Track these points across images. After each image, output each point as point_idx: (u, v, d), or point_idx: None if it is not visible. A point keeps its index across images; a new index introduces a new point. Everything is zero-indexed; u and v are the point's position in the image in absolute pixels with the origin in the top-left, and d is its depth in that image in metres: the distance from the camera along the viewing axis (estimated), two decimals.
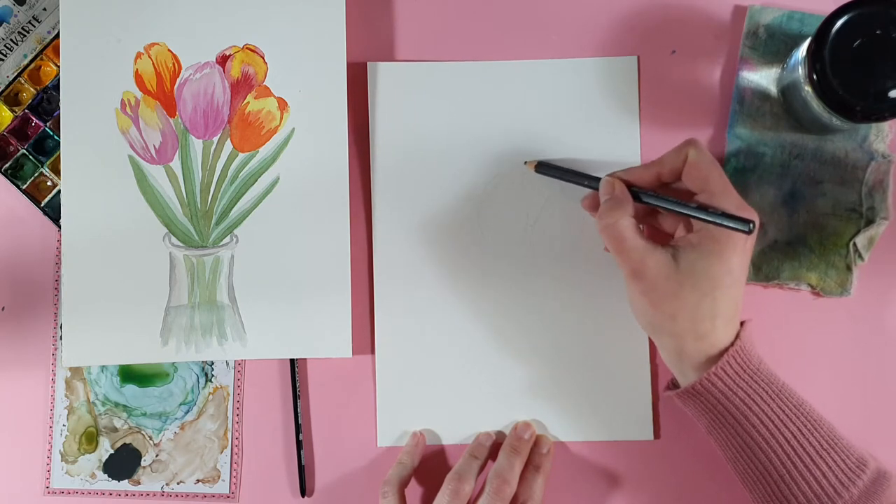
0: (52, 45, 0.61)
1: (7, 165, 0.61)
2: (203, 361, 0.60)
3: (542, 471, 0.57)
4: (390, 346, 0.59)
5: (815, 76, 0.49)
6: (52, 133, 0.61)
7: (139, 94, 0.59)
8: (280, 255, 0.58)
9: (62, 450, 0.61)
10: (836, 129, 0.56)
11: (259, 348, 0.58)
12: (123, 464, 0.60)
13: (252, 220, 0.59)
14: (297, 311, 0.58)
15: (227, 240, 0.59)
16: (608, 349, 0.58)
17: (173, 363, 0.60)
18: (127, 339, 0.59)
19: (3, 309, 0.61)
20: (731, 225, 0.49)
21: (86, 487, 0.60)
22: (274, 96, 0.59)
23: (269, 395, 0.60)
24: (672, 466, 0.58)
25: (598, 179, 0.54)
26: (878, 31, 0.48)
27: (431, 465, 0.59)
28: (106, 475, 0.60)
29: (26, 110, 0.61)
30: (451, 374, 0.59)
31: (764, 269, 0.58)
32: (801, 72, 0.52)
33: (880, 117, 0.50)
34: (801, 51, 0.53)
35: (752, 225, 0.49)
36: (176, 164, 0.59)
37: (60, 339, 0.61)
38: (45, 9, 0.61)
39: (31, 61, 0.61)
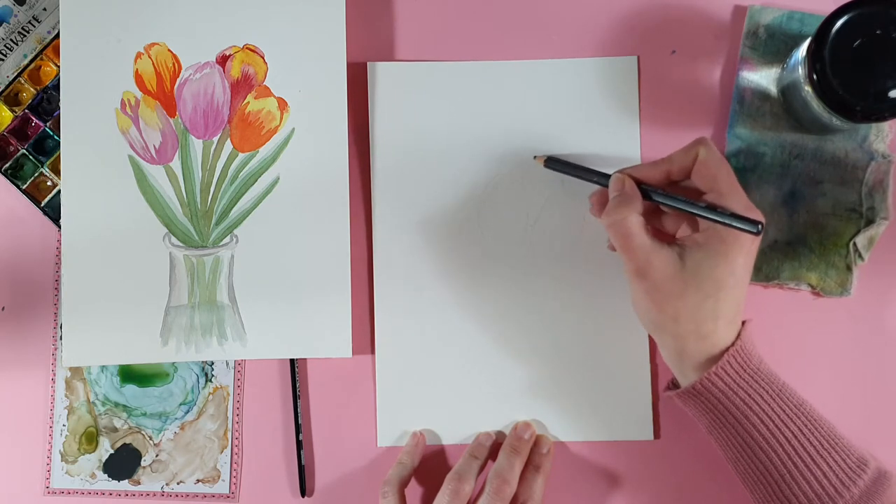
0: (52, 45, 0.61)
1: (7, 165, 0.61)
2: (203, 361, 0.60)
3: (542, 471, 0.56)
4: (390, 346, 0.59)
5: (815, 76, 0.49)
6: (52, 133, 0.61)
7: (139, 94, 0.59)
8: (280, 255, 0.58)
9: (62, 450, 0.61)
10: (836, 129, 0.56)
11: (259, 348, 0.58)
12: (123, 464, 0.60)
13: (252, 220, 0.59)
14: (297, 311, 0.58)
15: (227, 240, 0.59)
16: (608, 349, 0.58)
17: (173, 363, 0.60)
18: (127, 339, 0.59)
19: (3, 309, 0.61)
20: (739, 226, 0.49)
21: (86, 487, 0.60)
22: (274, 96, 0.59)
23: (269, 395, 0.60)
24: (672, 466, 0.58)
25: (607, 176, 0.54)
26: (878, 31, 0.48)
27: (431, 465, 0.59)
28: (106, 475, 0.60)
29: (26, 110, 0.61)
30: (451, 374, 0.59)
31: (764, 269, 0.58)
32: (801, 72, 0.52)
33: (880, 117, 0.50)
34: (801, 51, 0.53)
35: (760, 226, 0.49)
36: (176, 164, 0.59)
37: (60, 339, 0.61)
38: (45, 9, 0.61)
39: (31, 61, 0.61)
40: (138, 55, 0.59)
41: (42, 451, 0.61)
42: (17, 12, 0.61)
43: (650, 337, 0.58)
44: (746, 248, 0.50)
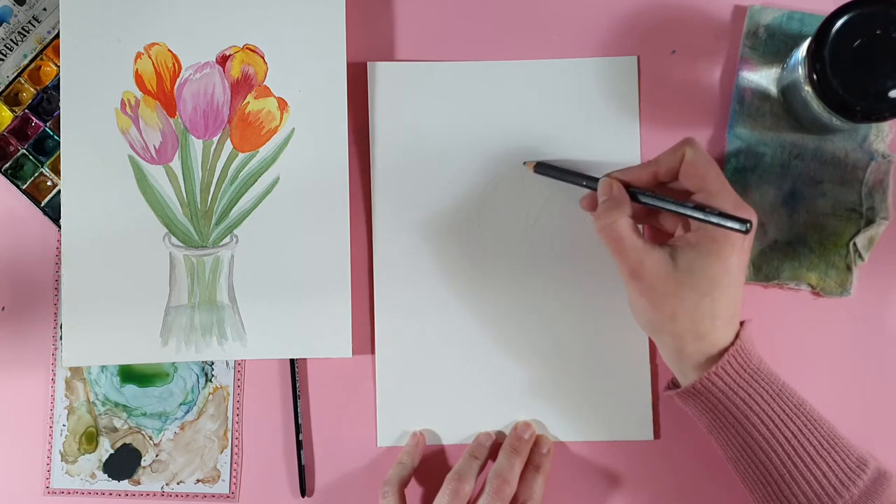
0: (52, 45, 0.61)
1: (7, 165, 0.61)
2: (203, 361, 0.60)
3: (542, 471, 0.57)
4: (390, 346, 0.59)
5: (815, 76, 0.49)
6: (52, 133, 0.61)
7: (139, 94, 0.59)
8: (280, 255, 0.58)
9: (62, 450, 0.61)
10: (836, 129, 0.56)
11: (259, 348, 0.58)
12: (123, 464, 0.60)
13: (252, 220, 0.59)
14: (297, 311, 0.58)
15: (227, 240, 0.59)
16: (608, 349, 0.58)
17: (173, 363, 0.60)
18: (127, 339, 0.59)
19: (3, 309, 0.61)
20: (727, 225, 0.49)
21: (86, 487, 0.60)
22: (274, 96, 0.59)
23: (269, 395, 0.60)
24: (672, 466, 0.58)
25: (596, 180, 0.54)
26: (878, 31, 0.48)
27: (431, 465, 0.59)
28: (106, 475, 0.60)
29: (26, 110, 0.61)
30: (451, 374, 0.59)
31: (764, 269, 0.58)
32: (801, 72, 0.52)
33: (880, 117, 0.50)
34: (801, 51, 0.53)
35: (748, 225, 0.49)
36: (176, 164, 0.59)
37: (60, 339, 0.61)
38: (45, 9, 0.61)
39: (31, 61, 0.61)
40: (138, 55, 0.59)
41: (42, 451, 0.61)
42: (17, 12, 0.61)
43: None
44: (738, 246, 0.50)
